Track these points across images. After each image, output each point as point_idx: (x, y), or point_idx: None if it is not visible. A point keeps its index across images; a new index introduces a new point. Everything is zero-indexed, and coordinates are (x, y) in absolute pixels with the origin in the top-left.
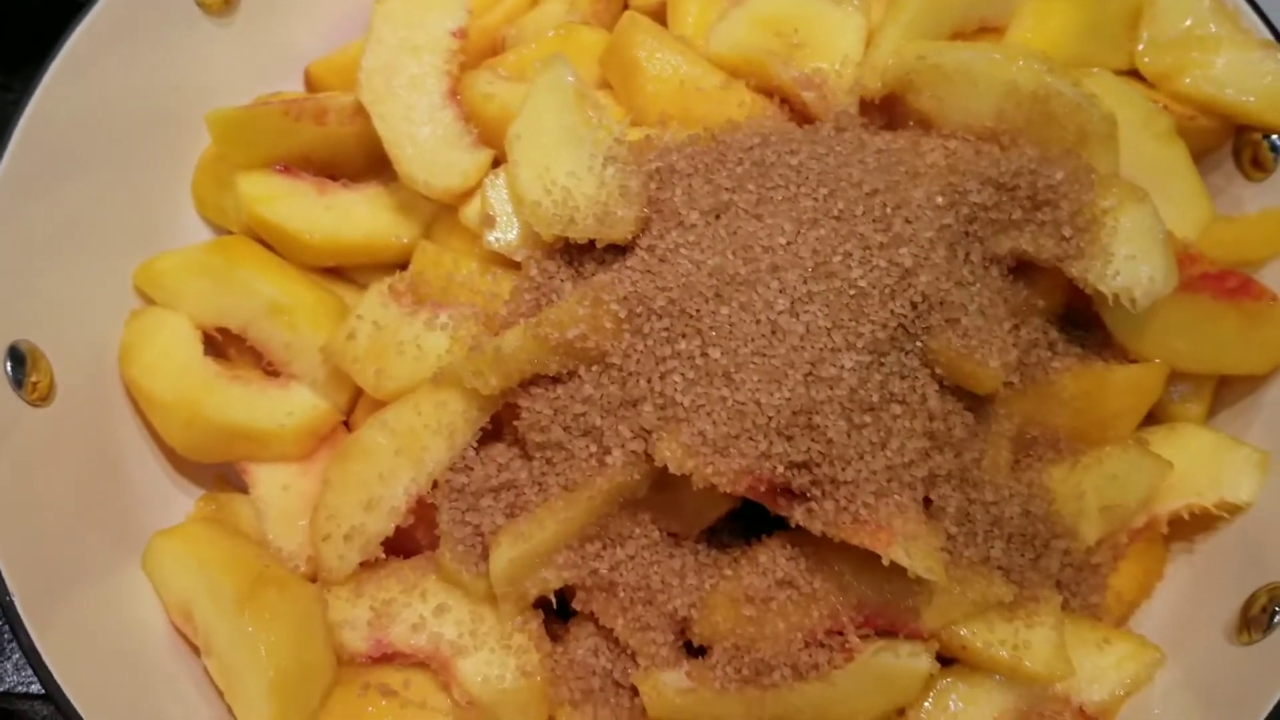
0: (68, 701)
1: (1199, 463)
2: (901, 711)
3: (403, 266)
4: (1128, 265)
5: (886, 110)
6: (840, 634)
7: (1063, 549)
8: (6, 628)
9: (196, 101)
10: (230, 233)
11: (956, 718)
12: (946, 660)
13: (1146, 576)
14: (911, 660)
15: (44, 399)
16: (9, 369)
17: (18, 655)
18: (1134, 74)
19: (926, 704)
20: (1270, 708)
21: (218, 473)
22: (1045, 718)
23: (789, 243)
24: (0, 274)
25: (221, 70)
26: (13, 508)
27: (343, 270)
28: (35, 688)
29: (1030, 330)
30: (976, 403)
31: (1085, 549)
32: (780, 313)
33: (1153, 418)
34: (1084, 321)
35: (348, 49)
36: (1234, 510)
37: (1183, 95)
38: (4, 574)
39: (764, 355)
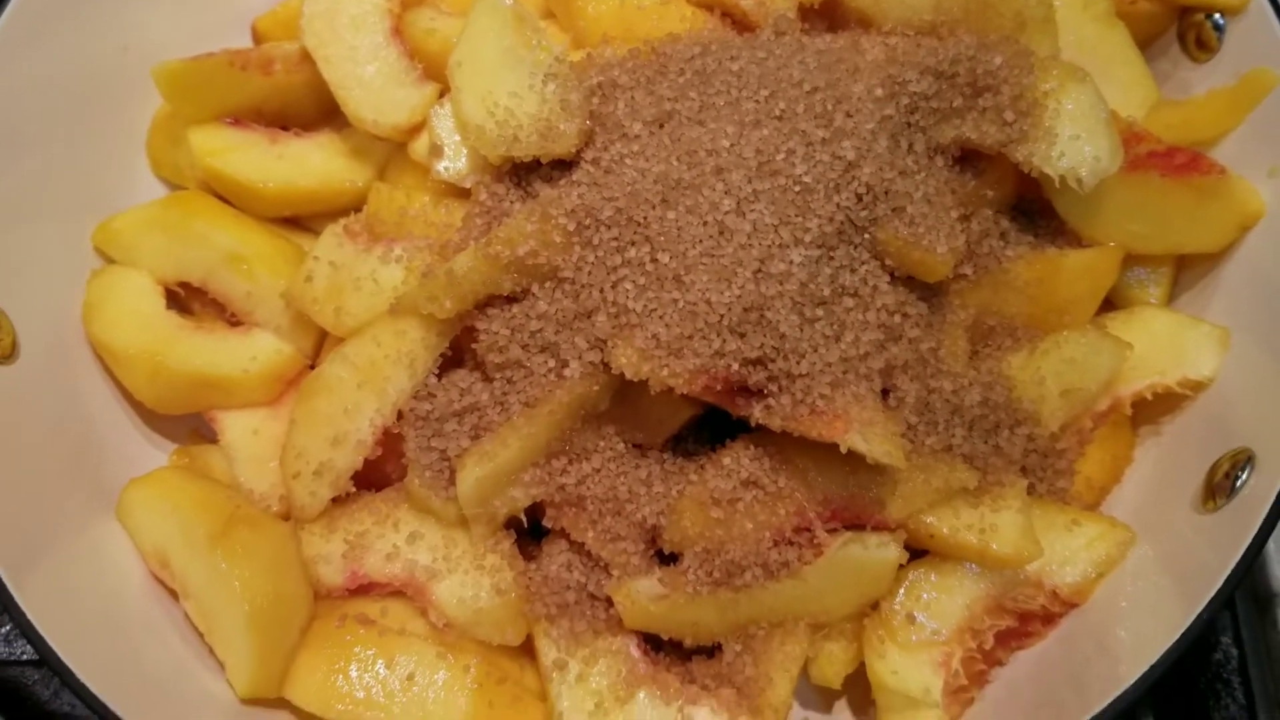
0: (51, 651)
1: (1159, 343)
2: (875, 605)
3: (359, 211)
4: (1072, 146)
5: (826, 15)
6: (808, 530)
7: (1025, 435)
8: None
9: (147, 62)
10: (186, 189)
11: (929, 607)
12: (917, 553)
13: (1115, 461)
14: (880, 550)
15: (7, 357)
16: None
17: (8, 627)
18: None
19: (900, 595)
20: (1232, 566)
21: (191, 427)
22: (1019, 603)
23: (732, 145)
24: None
25: (170, 29)
26: None
27: (299, 219)
28: (25, 655)
29: (981, 220)
30: (931, 294)
31: (1049, 434)
32: (727, 213)
33: (1114, 304)
34: (1036, 211)
35: (291, 2)
36: (1196, 387)
37: None
38: None
39: (713, 256)
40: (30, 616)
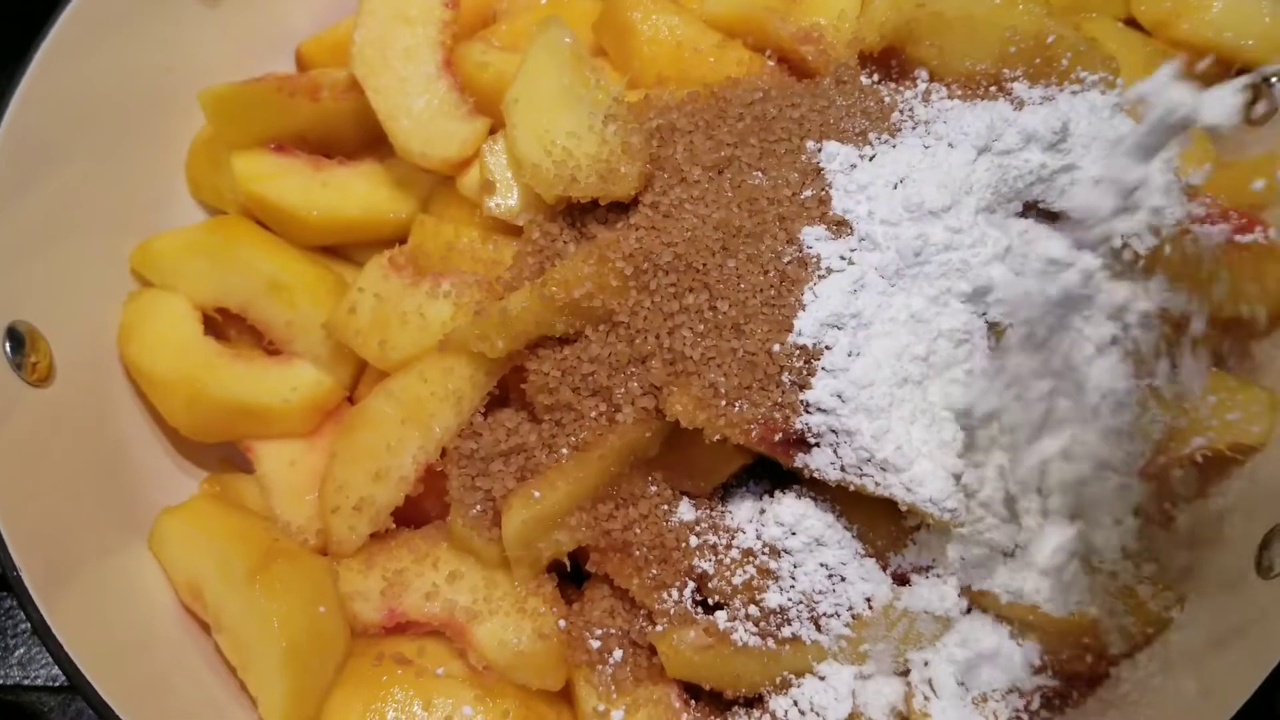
0: (79, 673)
1: (1210, 405)
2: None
3: (400, 242)
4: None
5: (884, 63)
6: (860, 582)
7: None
8: (9, 626)
9: (188, 83)
10: (225, 213)
11: (976, 664)
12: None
13: None
14: (932, 607)
15: (44, 380)
16: (8, 350)
17: (21, 650)
18: (1130, 23)
19: (947, 650)
20: None
21: (221, 455)
22: (1066, 664)
23: (794, 194)
24: None
25: (212, 52)
26: (17, 488)
27: (340, 248)
28: (40, 680)
29: None
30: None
31: None
32: (789, 263)
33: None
34: None
35: (338, 27)
36: (1247, 452)
37: (1180, 41)
38: (11, 553)
39: (774, 305)
40: (61, 640)
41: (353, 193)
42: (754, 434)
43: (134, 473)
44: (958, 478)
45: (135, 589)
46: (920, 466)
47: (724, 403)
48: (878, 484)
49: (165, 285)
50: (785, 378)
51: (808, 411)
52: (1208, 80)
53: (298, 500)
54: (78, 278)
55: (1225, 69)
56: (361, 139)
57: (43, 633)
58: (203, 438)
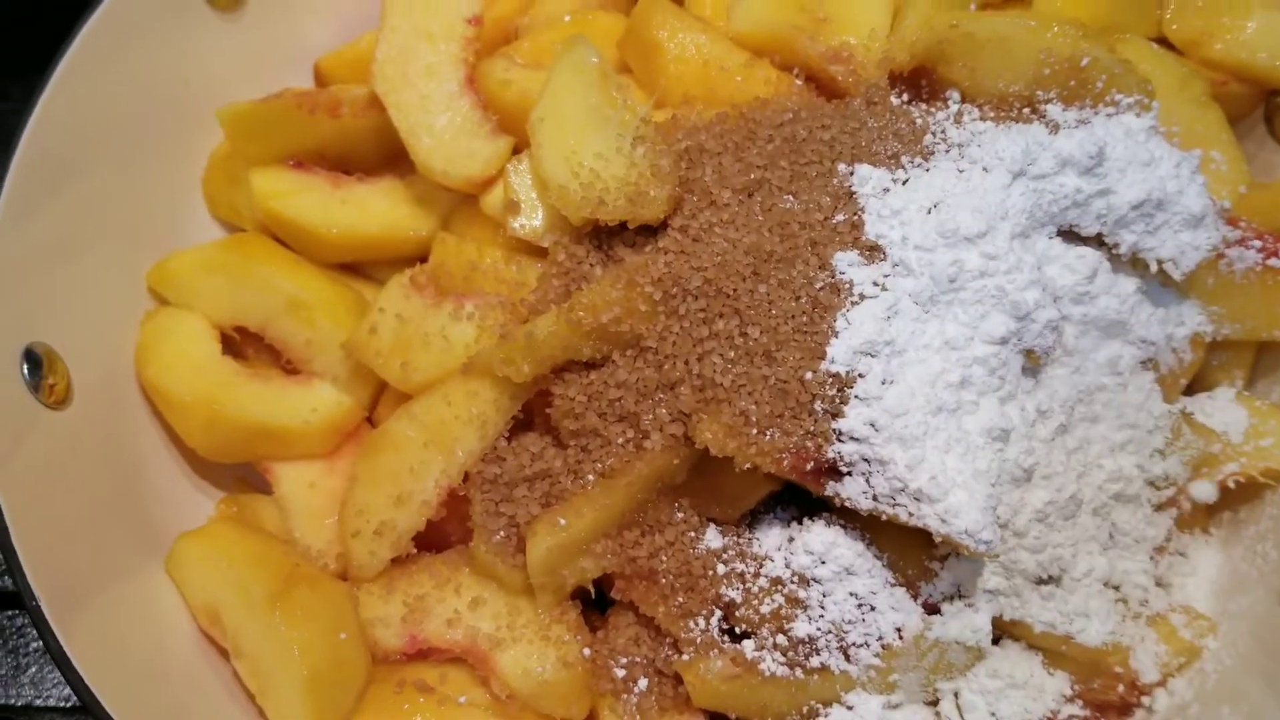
0: (96, 701)
1: (1242, 431)
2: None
3: (420, 260)
4: (1170, 234)
5: (914, 83)
6: (890, 611)
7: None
8: (21, 645)
9: (206, 99)
10: (243, 230)
11: (1008, 694)
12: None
13: None
14: (965, 637)
15: (61, 402)
16: (26, 372)
17: (34, 669)
18: (1162, 42)
19: (978, 679)
20: None
21: (238, 475)
22: (1096, 693)
23: (826, 218)
24: (14, 277)
25: (230, 67)
26: (34, 511)
27: (359, 266)
28: (53, 701)
29: None
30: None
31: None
32: (821, 289)
33: (1193, 386)
34: None
35: (358, 42)
36: (1279, 477)
37: (1213, 61)
38: (29, 577)
39: (806, 332)
40: (76, 664)
41: (372, 210)
42: (786, 463)
43: (151, 495)
44: (994, 508)
45: (152, 613)
46: (955, 497)
47: (755, 431)
48: (911, 514)
49: (183, 304)
50: (818, 406)
51: (840, 440)
52: (1238, 103)
53: (317, 523)
54: (95, 297)
55: (1257, 90)
56: (382, 156)
57: (59, 659)
58: (221, 459)
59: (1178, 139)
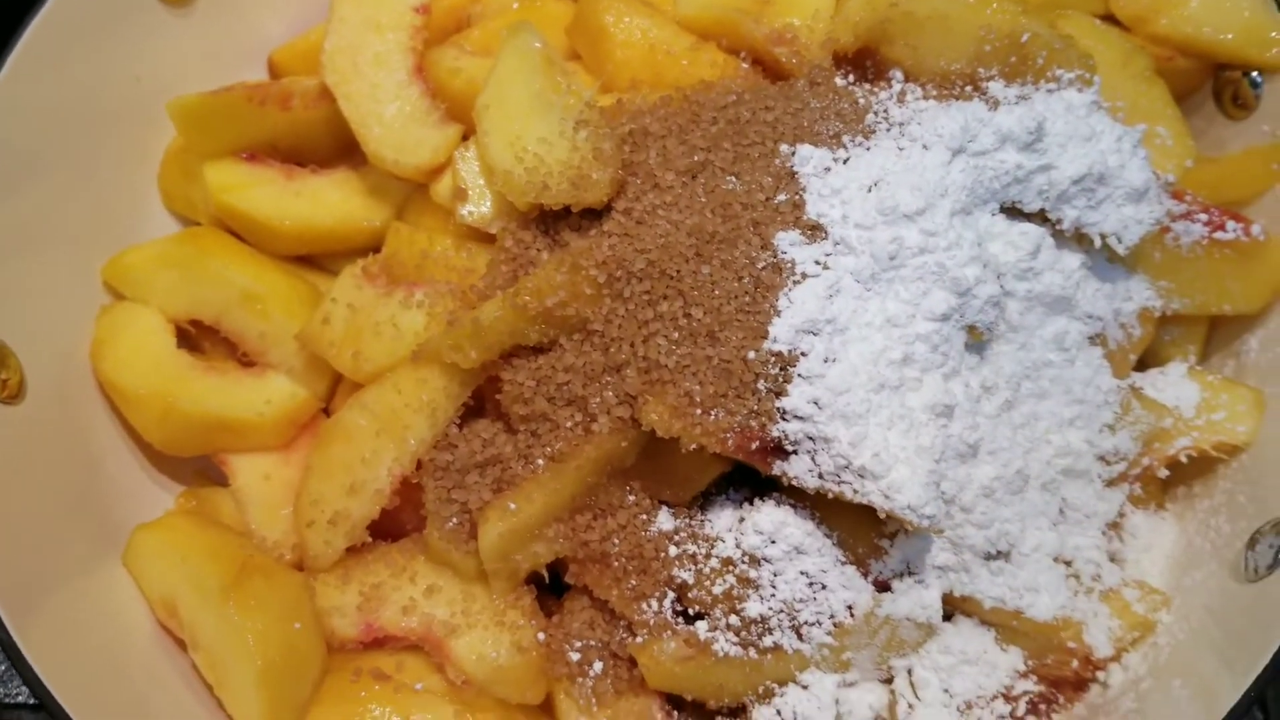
0: (52, 698)
1: (1194, 405)
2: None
3: (375, 250)
4: (1114, 208)
5: (859, 64)
6: (841, 589)
7: None
8: None
9: (159, 93)
10: (199, 224)
11: (961, 670)
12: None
13: None
14: (916, 613)
15: (15, 397)
16: None
17: (3, 667)
18: (1109, 19)
19: (931, 657)
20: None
21: (197, 468)
22: (1051, 669)
23: (768, 199)
24: None
25: (183, 61)
26: None
27: (314, 258)
28: (21, 698)
29: None
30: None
31: None
32: (763, 269)
33: (1146, 361)
34: None
35: (310, 34)
36: (1232, 451)
37: (1159, 37)
38: None
39: (748, 312)
40: (32, 661)
41: (326, 202)
42: (730, 442)
43: (109, 489)
44: (937, 484)
45: (110, 607)
46: (898, 473)
47: (699, 411)
48: (856, 491)
49: (138, 298)
50: (761, 385)
51: (784, 419)
52: (1186, 78)
53: (273, 514)
54: (49, 292)
55: (1205, 65)
56: (335, 147)
57: (13, 655)
58: (177, 452)
59: (1122, 114)
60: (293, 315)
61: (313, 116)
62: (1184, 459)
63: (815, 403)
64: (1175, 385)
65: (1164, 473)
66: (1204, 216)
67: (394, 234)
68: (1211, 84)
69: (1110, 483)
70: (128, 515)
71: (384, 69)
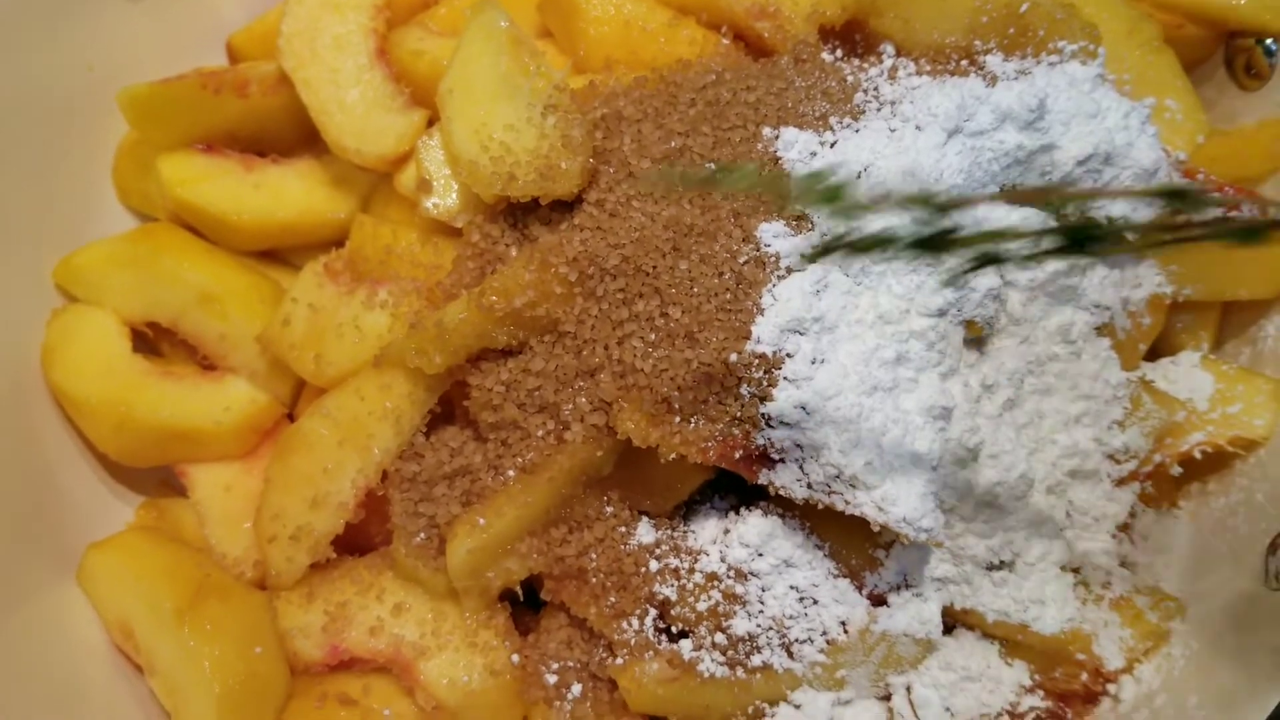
0: None
1: (1209, 398)
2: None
3: (340, 245)
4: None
5: (847, 37)
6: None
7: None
8: None
9: (113, 82)
10: (156, 220)
11: (966, 686)
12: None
13: None
14: (915, 629)
15: None
16: None
17: None
18: None
19: (931, 673)
20: None
21: (161, 477)
22: (1059, 683)
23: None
24: None
25: (138, 48)
26: None
27: (278, 252)
28: None
29: None
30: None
31: None
32: (745, 263)
33: (1156, 350)
34: None
35: (268, 16)
36: (1250, 446)
37: (1168, 3)
38: None
39: (730, 311)
40: None
41: (287, 194)
42: (711, 452)
43: (63, 503)
44: (935, 493)
45: (66, 631)
46: (893, 483)
47: (678, 419)
48: (848, 502)
49: (91, 300)
50: (744, 390)
51: (769, 426)
52: (1196, 46)
53: (234, 529)
54: None
55: (1215, 31)
56: (297, 136)
57: None
58: (134, 462)
59: (1129, 88)
60: (253, 315)
61: (272, 104)
62: (1198, 455)
63: (803, 408)
64: (1188, 376)
65: (1177, 470)
66: (1217, 196)
67: (358, 228)
68: (1223, 52)
69: (1120, 482)
70: (86, 530)
71: (344, 52)
